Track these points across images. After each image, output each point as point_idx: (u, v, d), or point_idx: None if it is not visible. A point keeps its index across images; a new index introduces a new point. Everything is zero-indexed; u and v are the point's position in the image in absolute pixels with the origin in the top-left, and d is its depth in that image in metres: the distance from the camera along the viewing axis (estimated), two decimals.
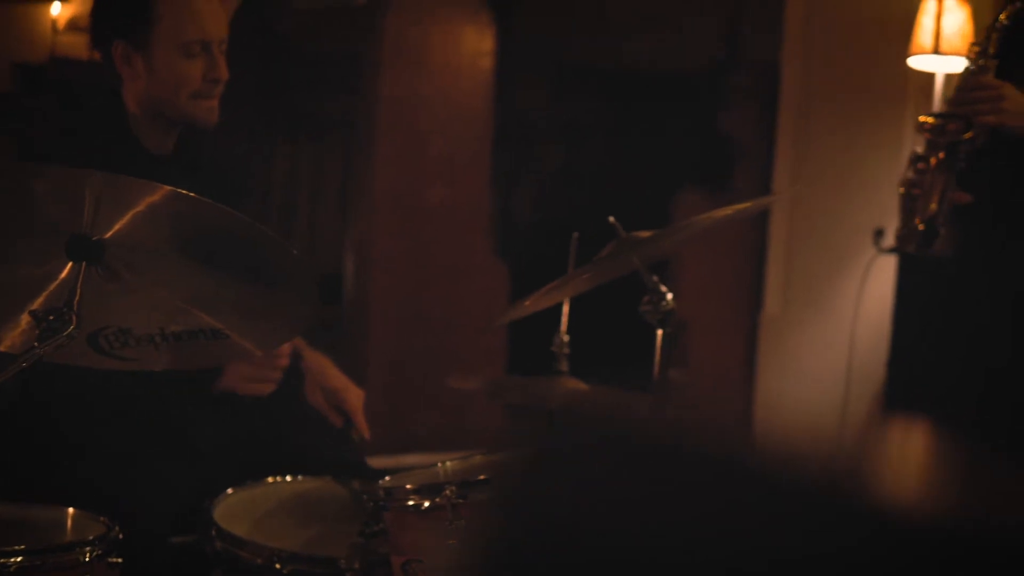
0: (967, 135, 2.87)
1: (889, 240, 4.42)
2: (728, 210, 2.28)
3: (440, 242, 4.25)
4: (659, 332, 2.38)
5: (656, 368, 2.37)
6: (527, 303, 2.37)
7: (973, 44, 2.93)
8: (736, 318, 5.02)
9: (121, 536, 1.89)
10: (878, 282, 4.30)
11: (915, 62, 4.08)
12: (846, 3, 4.60)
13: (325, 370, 2.65)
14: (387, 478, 2.18)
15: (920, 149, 2.96)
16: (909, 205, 2.97)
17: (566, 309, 2.69)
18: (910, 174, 2.96)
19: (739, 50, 5.30)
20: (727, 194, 4.74)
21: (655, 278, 2.37)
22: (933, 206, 2.93)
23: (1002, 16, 2.87)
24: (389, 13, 4.16)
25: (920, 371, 3.23)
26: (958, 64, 4.08)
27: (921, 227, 2.95)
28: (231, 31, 2.50)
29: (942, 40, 3.98)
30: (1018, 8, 2.86)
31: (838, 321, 4.53)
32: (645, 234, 2.33)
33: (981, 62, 2.88)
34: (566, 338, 2.71)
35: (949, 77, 4.15)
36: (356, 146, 4.28)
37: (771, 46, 4.94)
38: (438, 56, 4.19)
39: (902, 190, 3.00)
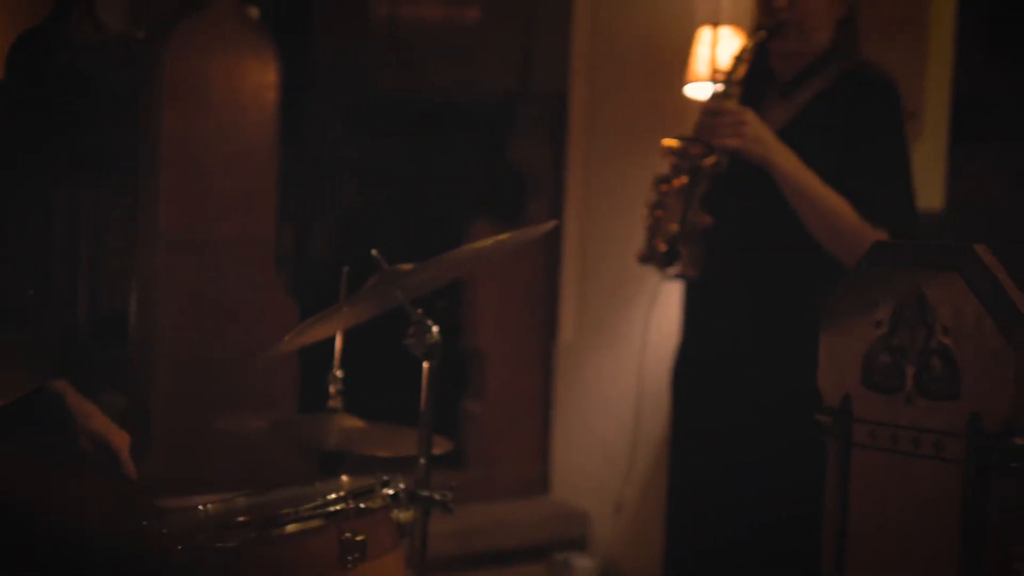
0: (710, 159, 2.96)
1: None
2: (487, 242, 2.29)
3: (227, 280, 4.17)
4: (425, 365, 2.37)
5: (423, 400, 2.37)
6: (287, 338, 2.34)
7: (718, 71, 3.04)
8: (532, 348, 5.05)
9: None
10: (665, 306, 4.37)
11: (692, 90, 4.17)
12: (629, 32, 4.68)
13: (88, 415, 2.59)
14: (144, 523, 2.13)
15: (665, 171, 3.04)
16: (653, 226, 3.04)
17: (339, 346, 2.67)
18: (654, 195, 3.05)
19: (530, 80, 5.35)
20: (520, 224, 4.77)
21: (419, 311, 2.36)
22: (675, 227, 3.02)
23: (748, 43, 2.98)
24: (169, 46, 4.08)
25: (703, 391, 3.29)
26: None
27: (663, 248, 3.03)
28: (7, 66, 2.43)
29: (717, 68, 4.07)
30: (760, 40, 2.99)
31: (629, 345, 4.59)
32: (407, 267, 2.33)
33: (726, 88, 2.99)
34: (340, 374, 2.69)
35: None
36: (139, 183, 4.18)
37: (559, 76, 5.00)
38: (220, 90, 4.12)
39: (646, 211, 3.08)
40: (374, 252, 2.34)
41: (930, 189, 5.30)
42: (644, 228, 3.10)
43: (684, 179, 3.02)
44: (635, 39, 4.64)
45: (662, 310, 4.38)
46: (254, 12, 4.28)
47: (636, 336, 4.52)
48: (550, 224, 2.44)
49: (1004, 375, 1.92)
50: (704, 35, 4.13)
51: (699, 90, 4.16)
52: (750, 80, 3.04)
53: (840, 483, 2.15)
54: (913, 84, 5.20)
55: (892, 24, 5.08)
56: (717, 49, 4.05)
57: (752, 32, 3.07)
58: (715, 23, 4.13)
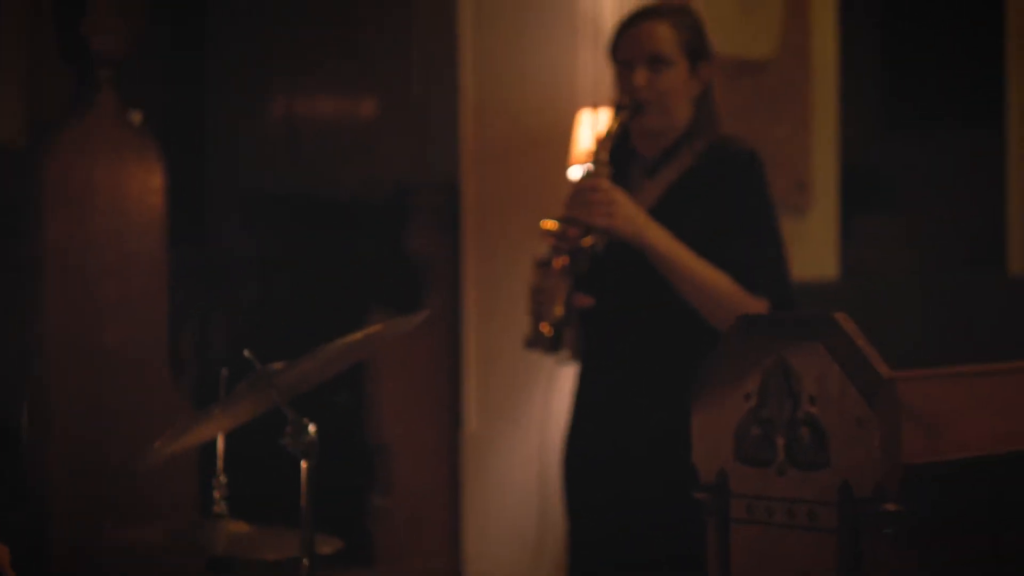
0: (587, 240, 2.99)
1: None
2: (358, 335, 2.28)
3: (119, 386, 4.12)
4: (303, 463, 2.34)
5: (303, 499, 2.33)
6: (157, 444, 2.31)
7: (587, 152, 3.08)
8: (437, 438, 5.02)
9: None
10: (563, 389, 4.37)
11: (574, 172, 4.21)
12: (513, 120, 4.74)
13: None
14: None
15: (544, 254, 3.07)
16: (536, 310, 3.06)
17: (221, 449, 2.62)
18: (535, 279, 3.06)
19: (424, 173, 5.40)
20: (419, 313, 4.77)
21: (292, 411, 2.33)
22: (559, 310, 3.03)
23: (613, 124, 3.04)
24: (50, 153, 4.07)
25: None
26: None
27: (549, 332, 3.04)
28: None
29: (587, 150, 4.12)
30: (623, 119, 3.04)
31: (533, 430, 4.58)
32: (279, 365, 2.30)
33: (594, 169, 3.03)
34: (224, 479, 2.64)
35: None
36: (25, 292, 4.14)
37: (451, 168, 5.04)
38: (104, 195, 4.09)
39: (530, 295, 3.09)
40: (246, 352, 2.31)
41: (824, 258, 5.37)
42: (527, 312, 3.11)
43: (565, 260, 3.04)
44: (520, 126, 4.69)
45: (560, 393, 4.38)
46: (137, 117, 4.28)
47: (536, 418, 4.52)
48: (422, 315, 2.44)
49: (870, 442, 1.93)
50: (585, 118, 4.19)
51: (581, 172, 4.21)
52: (614, 160, 3.08)
53: (722, 559, 2.14)
54: (801, 156, 5.29)
55: (776, 99, 5.17)
56: (598, 131, 4.11)
57: (614, 112, 3.13)
58: (595, 105, 4.18)
